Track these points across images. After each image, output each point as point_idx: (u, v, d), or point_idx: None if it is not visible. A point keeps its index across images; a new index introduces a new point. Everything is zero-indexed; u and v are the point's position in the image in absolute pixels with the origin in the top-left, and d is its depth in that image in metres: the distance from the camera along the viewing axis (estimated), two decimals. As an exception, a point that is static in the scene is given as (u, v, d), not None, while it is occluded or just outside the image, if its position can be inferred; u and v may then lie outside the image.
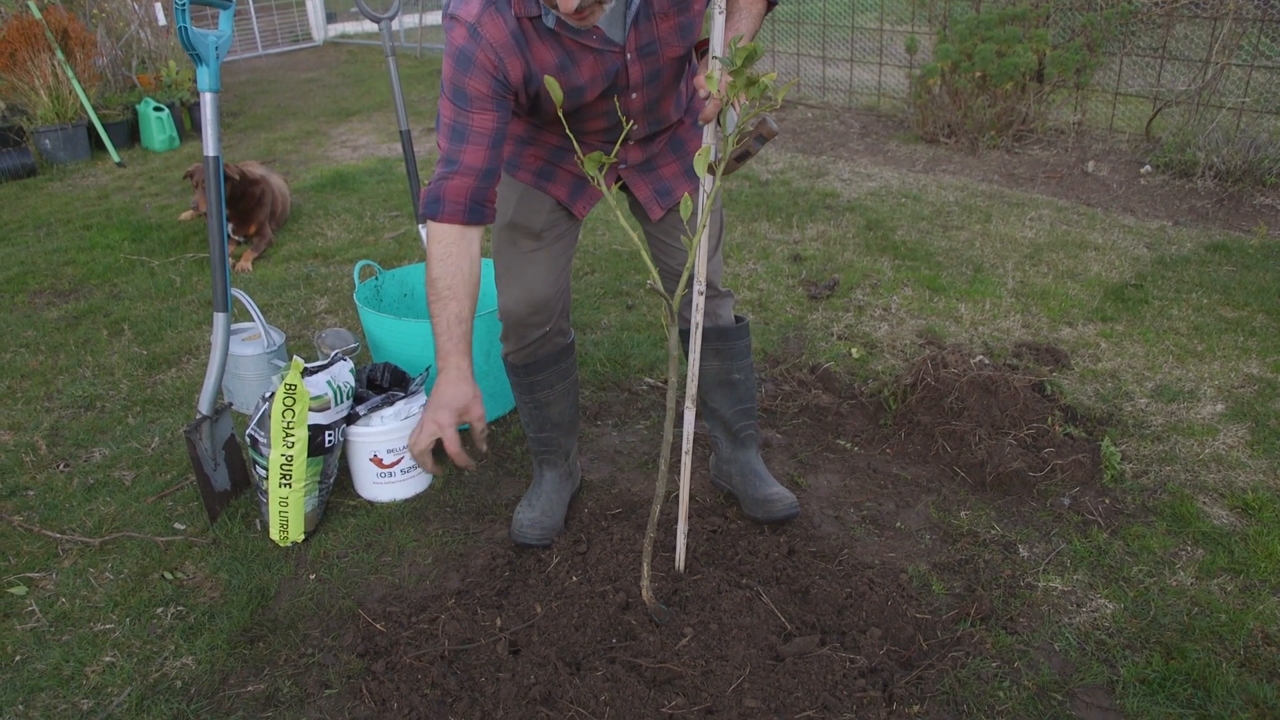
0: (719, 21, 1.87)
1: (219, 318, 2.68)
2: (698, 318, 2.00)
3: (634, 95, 2.13)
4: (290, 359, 3.17)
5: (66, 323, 4.03)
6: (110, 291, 4.34)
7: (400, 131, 3.51)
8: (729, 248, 4.50)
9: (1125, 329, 3.68)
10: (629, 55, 2.06)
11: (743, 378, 2.59)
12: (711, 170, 1.86)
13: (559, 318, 2.45)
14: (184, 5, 2.44)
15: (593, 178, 1.78)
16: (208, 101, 2.54)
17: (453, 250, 2.02)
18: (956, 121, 6.00)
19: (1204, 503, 2.66)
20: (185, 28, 2.45)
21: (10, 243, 5.03)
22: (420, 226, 3.66)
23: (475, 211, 2.02)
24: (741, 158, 1.84)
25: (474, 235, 2.05)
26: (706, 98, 1.83)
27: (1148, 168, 5.52)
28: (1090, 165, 5.62)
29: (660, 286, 1.77)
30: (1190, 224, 4.75)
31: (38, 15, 6.56)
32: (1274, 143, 5.32)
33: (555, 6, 1.85)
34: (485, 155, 2.00)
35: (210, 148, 2.57)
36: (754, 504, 2.60)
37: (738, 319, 2.58)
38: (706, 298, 2.45)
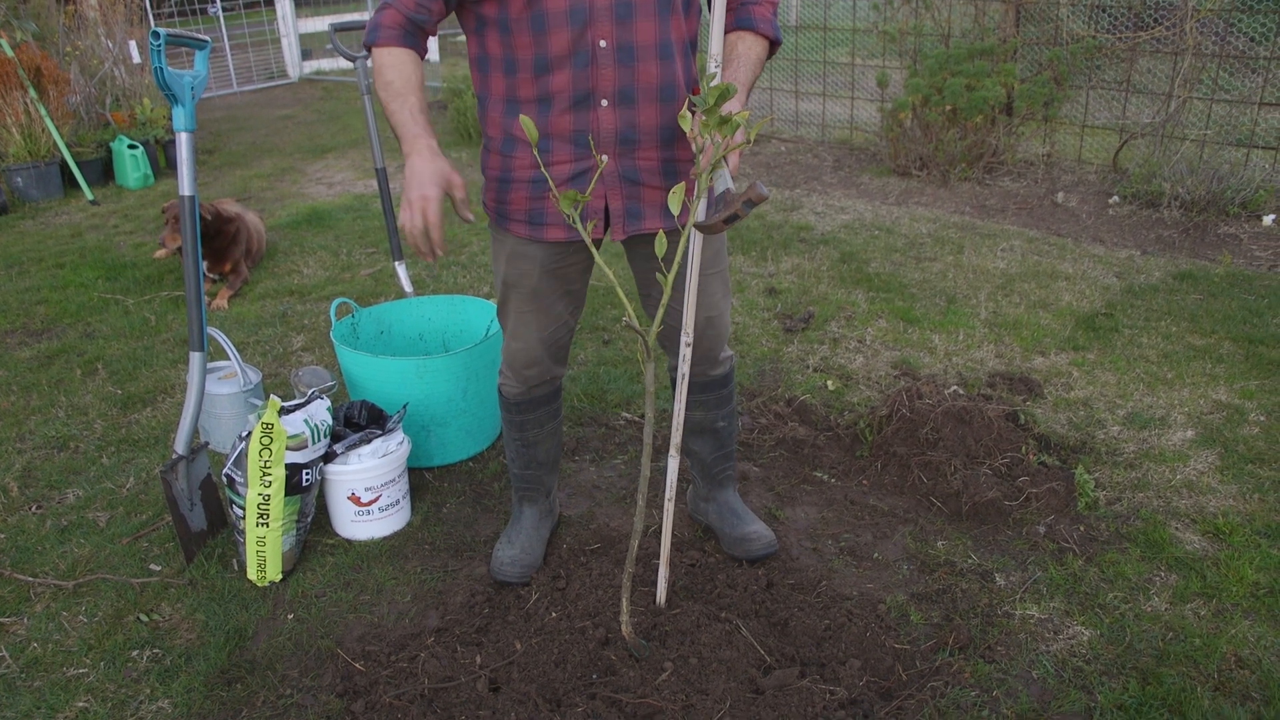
0: (716, 75, 1.87)
1: (195, 357, 2.68)
2: (684, 369, 2.00)
3: (602, 25, 1.99)
4: (267, 398, 3.16)
5: (39, 362, 4.00)
6: (84, 330, 4.31)
7: (376, 169, 3.53)
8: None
9: (1097, 357, 3.73)
10: None
11: (725, 424, 2.57)
12: (700, 229, 1.86)
13: (556, 365, 2.46)
14: (160, 46, 2.45)
15: (568, 216, 1.80)
16: (183, 141, 2.55)
17: (400, 60, 2.02)
18: (928, 154, 6.08)
19: (1176, 528, 2.69)
20: (161, 68, 2.46)
21: (-19, 282, 5.00)
22: (397, 263, 3.67)
23: (410, 38, 2.03)
24: (730, 220, 1.81)
25: (415, 56, 2.05)
26: (699, 152, 1.81)
27: (1116, 198, 5.61)
28: (1060, 196, 5.72)
29: (635, 323, 1.78)
30: (1158, 253, 4.83)
31: (10, 54, 6.54)
32: (1235, 174, 5.43)
33: None
34: (410, 12, 2.02)
35: (186, 187, 2.57)
36: (732, 542, 2.60)
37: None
38: (709, 365, 2.44)
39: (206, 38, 2.67)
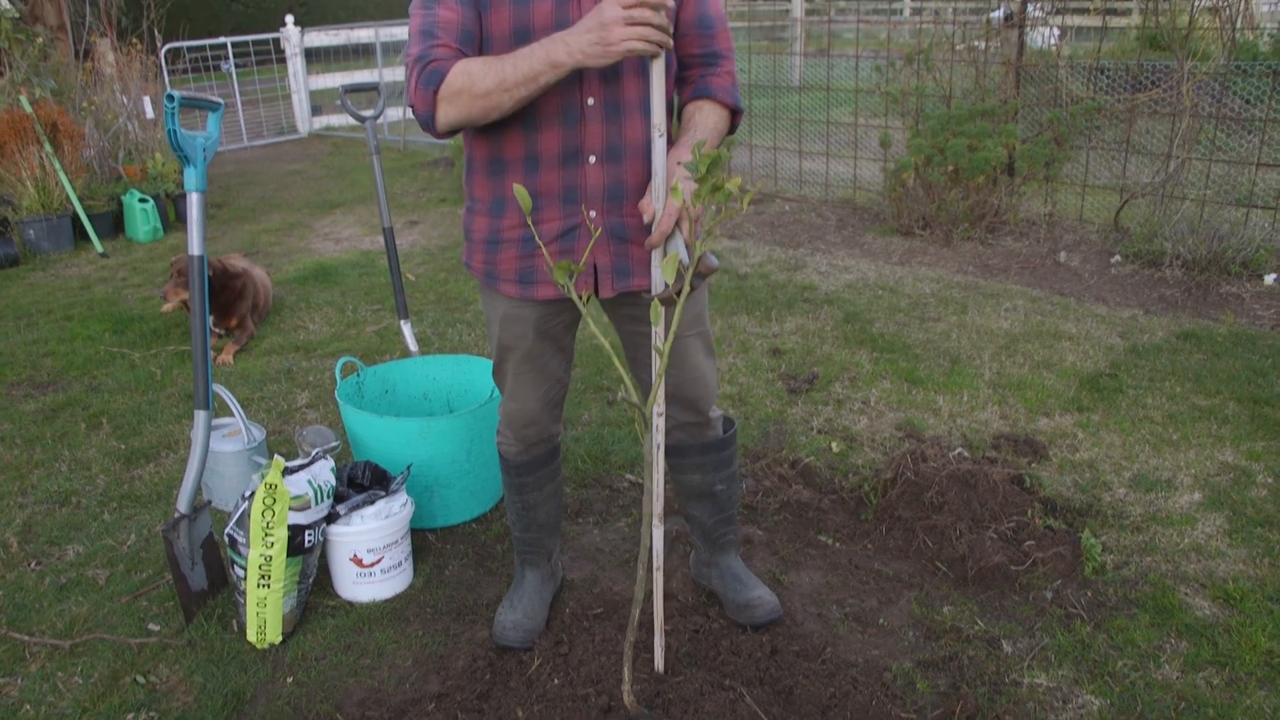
0: (659, 145, 1.86)
1: (200, 415, 2.68)
2: (658, 439, 1.99)
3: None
4: (271, 456, 3.16)
5: (44, 415, 4.01)
6: (89, 384, 4.32)
7: (383, 229, 3.56)
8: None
9: (1101, 419, 3.72)
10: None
11: (725, 488, 2.56)
12: (663, 301, 1.86)
13: (553, 423, 2.47)
14: (174, 108, 2.49)
15: (563, 286, 1.80)
16: (194, 201, 2.58)
17: (469, 60, 1.93)
18: (931, 214, 6.13)
19: (1186, 594, 2.66)
20: (175, 130, 2.50)
21: (-10, 334, 5.03)
22: (402, 321, 3.69)
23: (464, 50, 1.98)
24: (678, 291, 1.82)
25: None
26: (650, 222, 1.81)
27: (1118, 258, 5.64)
28: (1062, 255, 5.75)
29: (633, 396, 1.77)
30: (1161, 312, 4.84)
31: (28, 110, 6.66)
32: (1235, 233, 5.47)
33: None
34: (455, 48, 1.95)
35: (195, 247, 2.60)
36: (736, 608, 2.57)
37: (726, 421, 2.54)
38: (695, 424, 2.44)
39: (220, 100, 2.72)
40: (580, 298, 1.85)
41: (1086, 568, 2.78)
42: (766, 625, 2.54)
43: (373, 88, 3.87)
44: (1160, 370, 4.14)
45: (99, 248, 6.54)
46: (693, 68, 2.16)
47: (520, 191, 1.77)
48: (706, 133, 2.09)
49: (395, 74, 10.97)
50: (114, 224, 7.00)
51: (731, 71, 2.18)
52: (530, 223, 1.94)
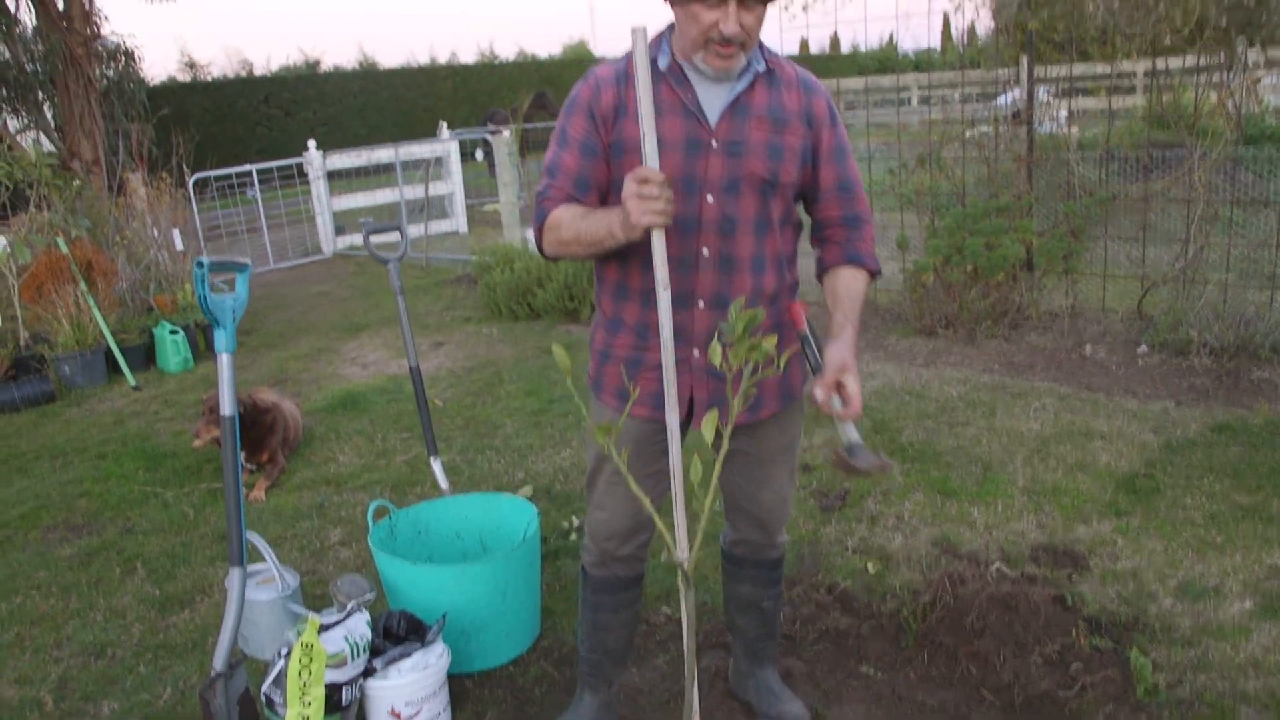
0: (664, 299, 1.95)
1: (235, 573, 2.68)
2: (687, 608, 1.98)
3: (709, 198, 2.15)
4: (304, 600, 3.16)
5: (79, 561, 4.03)
6: (124, 525, 4.36)
7: (410, 368, 3.61)
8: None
9: (1141, 523, 3.66)
10: (714, 143, 2.13)
11: (772, 604, 2.64)
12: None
13: (639, 548, 2.50)
14: (203, 274, 2.56)
15: (603, 444, 1.82)
16: (224, 363, 2.63)
17: (565, 209, 2.15)
18: (953, 313, 6.14)
19: (1247, 715, 2.58)
20: (204, 295, 2.56)
21: (27, 474, 5.10)
22: (432, 458, 3.71)
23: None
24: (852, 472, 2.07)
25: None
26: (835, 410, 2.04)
27: (1144, 348, 5.62)
28: (1088, 349, 5.73)
29: (675, 554, 1.78)
30: (1192, 403, 4.80)
31: (65, 251, 6.86)
32: (1261, 316, 5.44)
33: (705, 42, 2.02)
34: (568, 192, 2.17)
35: (226, 407, 2.64)
36: None
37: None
38: (768, 548, 2.57)
39: (247, 261, 2.79)
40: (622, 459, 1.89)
41: (1138, 689, 2.70)
42: None
43: (395, 229, 3.96)
44: (1197, 467, 4.08)
45: (131, 381, 6.66)
46: (836, 228, 2.31)
47: (559, 353, 1.82)
48: (857, 305, 2.25)
49: (416, 191, 11.24)
50: (146, 356, 7.14)
51: (872, 235, 2.34)
52: (636, 339, 2.16)
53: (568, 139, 2.19)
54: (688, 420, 2.30)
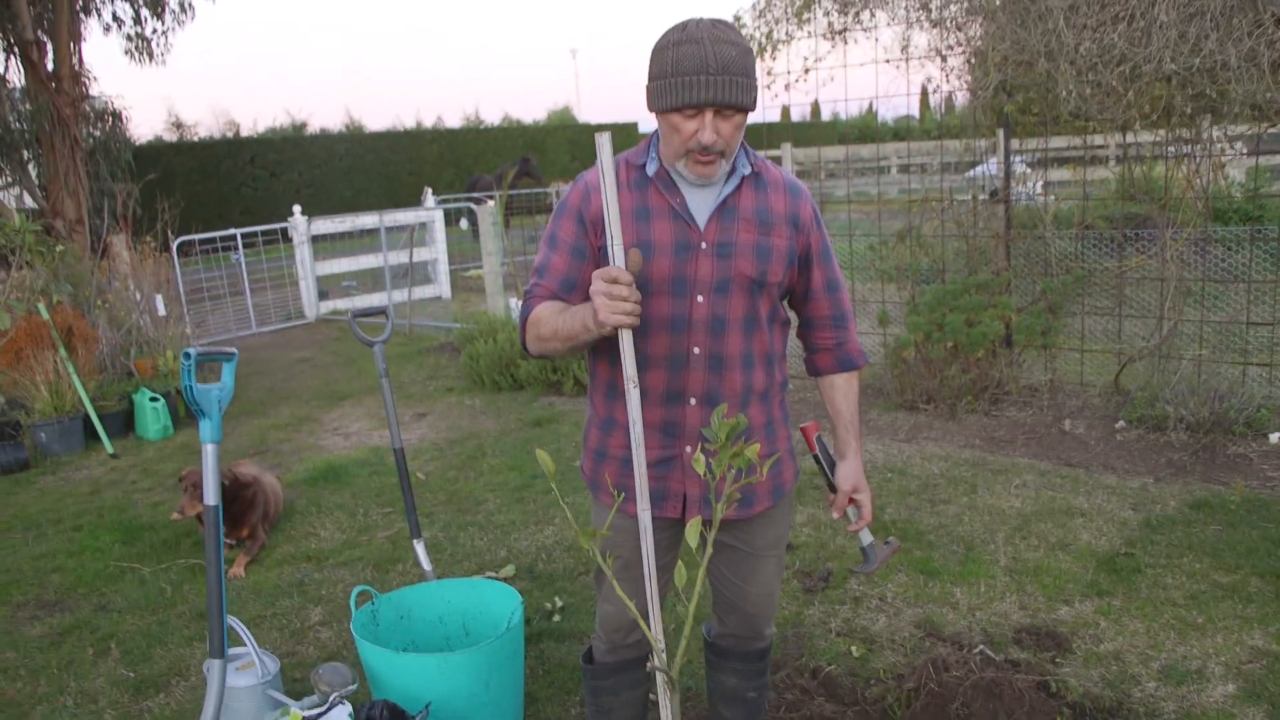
0: (634, 396, 1.99)
1: (214, 664, 2.65)
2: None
3: (700, 298, 2.19)
4: (284, 691, 3.11)
5: (50, 641, 3.95)
6: (98, 603, 4.28)
7: (394, 449, 3.61)
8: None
9: (1122, 603, 3.67)
10: (704, 245, 2.18)
11: (756, 695, 2.63)
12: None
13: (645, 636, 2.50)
14: (190, 366, 2.55)
15: (588, 549, 1.83)
16: (209, 453, 2.62)
17: (546, 306, 2.20)
18: (934, 389, 6.20)
19: (1230, 807, 2.58)
20: (190, 386, 2.55)
21: (-2, 547, 5.01)
22: (415, 541, 3.69)
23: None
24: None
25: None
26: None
27: (1122, 423, 5.68)
28: (1067, 424, 5.79)
29: (658, 662, 1.78)
30: (1170, 479, 4.84)
31: (45, 317, 6.83)
32: (1235, 391, 5.53)
33: (685, 151, 2.08)
34: (553, 291, 2.22)
35: (210, 496, 2.63)
36: None
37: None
38: (755, 640, 2.59)
39: (234, 350, 2.79)
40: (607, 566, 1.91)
41: (1124, 780, 2.69)
42: None
43: (382, 313, 3.99)
44: (1177, 545, 4.11)
45: (109, 448, 6.60)
46: (824, 329, 2.42)
47: (543, 459, 1.84)
48: (857, 416, 2.40)
49: (400, 257, 11.29)
50: (125, 422, 7.07)
51: (854, 324, 2.46)
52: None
53: (558, 241, 2.24)
54: (682, 515, 2.33)
